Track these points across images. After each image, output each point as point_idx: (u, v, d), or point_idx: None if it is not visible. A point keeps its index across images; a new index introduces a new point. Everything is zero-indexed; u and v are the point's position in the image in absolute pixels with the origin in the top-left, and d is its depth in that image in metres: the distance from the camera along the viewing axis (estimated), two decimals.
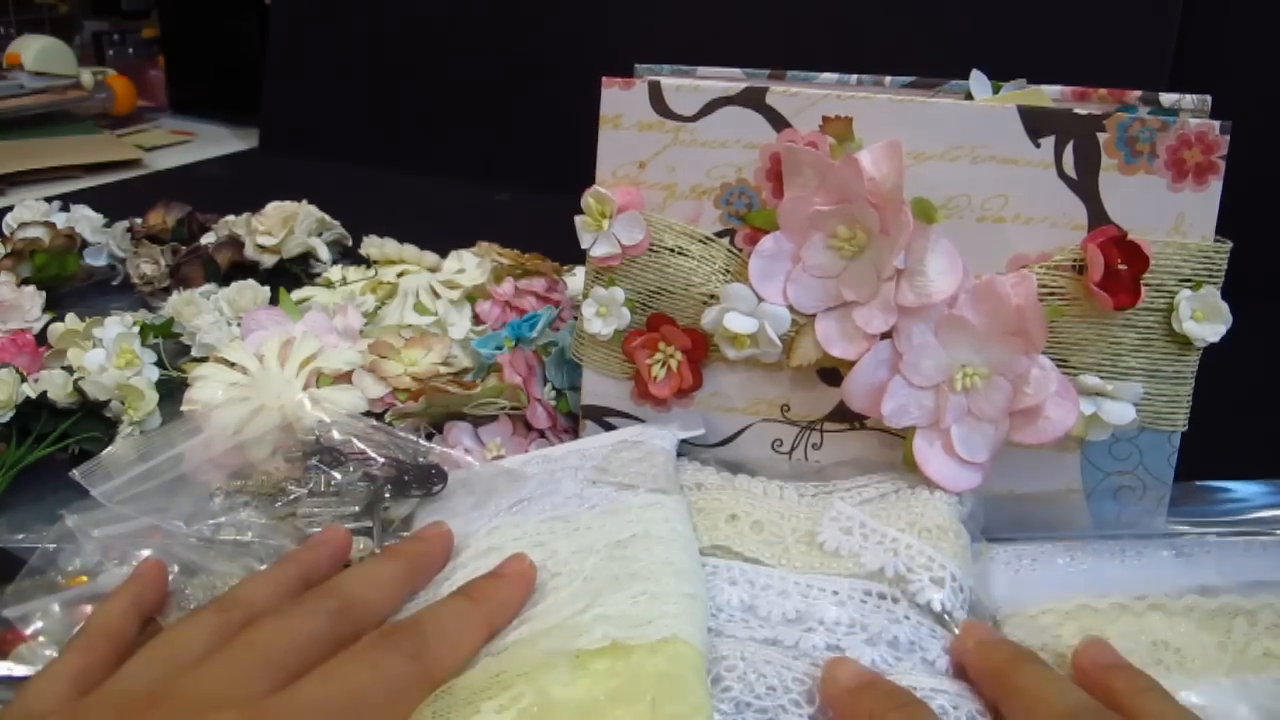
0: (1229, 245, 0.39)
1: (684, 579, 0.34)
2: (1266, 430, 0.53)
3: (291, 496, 0.41)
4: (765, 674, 0.31)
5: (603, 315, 0.43)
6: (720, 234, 0.42)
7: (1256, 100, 0.69)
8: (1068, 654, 0.33)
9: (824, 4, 0.83)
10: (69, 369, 0.51)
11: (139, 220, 0.75)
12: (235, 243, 0.71)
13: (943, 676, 0.32)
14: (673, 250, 0.42)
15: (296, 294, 0.63)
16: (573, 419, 0.48)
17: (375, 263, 0.68)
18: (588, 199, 0.42)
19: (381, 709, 0.28)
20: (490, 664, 0.31)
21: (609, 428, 0.45)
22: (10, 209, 0.74)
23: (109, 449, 0.46)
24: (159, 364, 0.53)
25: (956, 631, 0.34)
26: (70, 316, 0.55)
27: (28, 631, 0.34)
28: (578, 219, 0.43)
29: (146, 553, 0.37)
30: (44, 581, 0.37)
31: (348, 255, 0.74)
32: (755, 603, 0.35)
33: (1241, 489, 0.43)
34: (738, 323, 0.41)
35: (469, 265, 0.65)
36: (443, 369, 0.51)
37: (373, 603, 0.33)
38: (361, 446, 0.43)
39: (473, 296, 0.61)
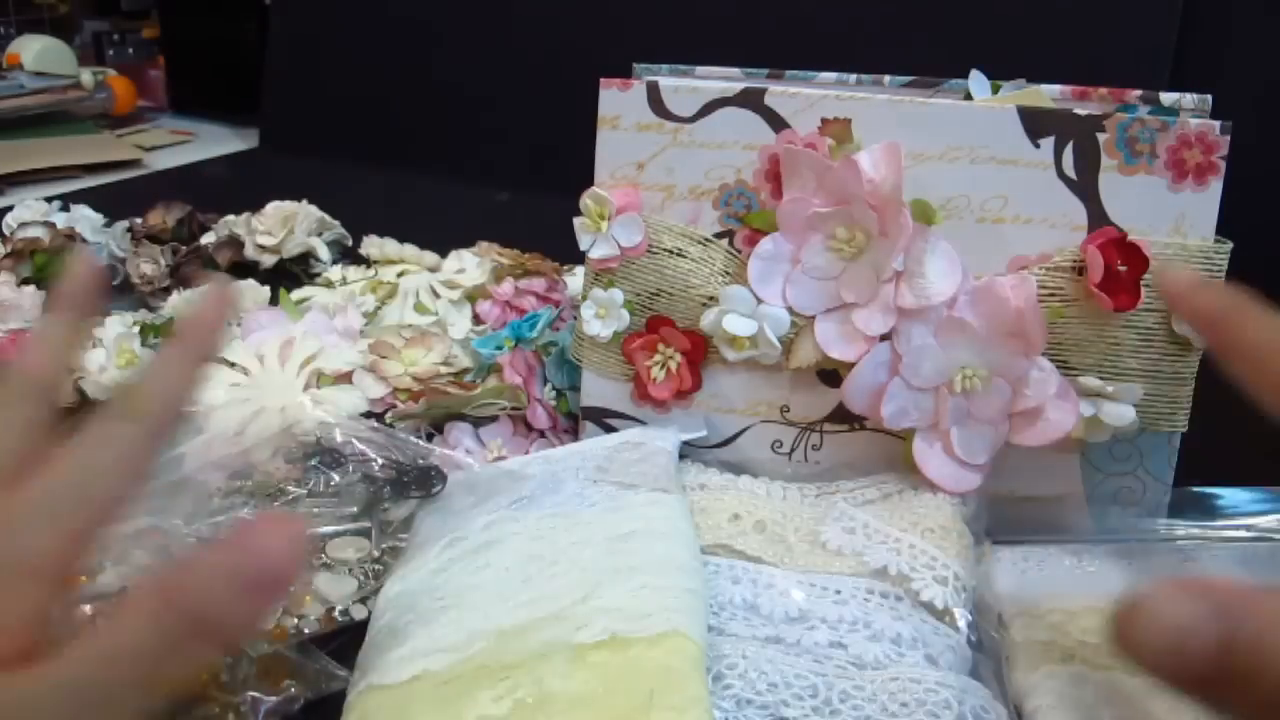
0: (1229, 245, 0.39)
1: (684, 574, 0.34)
2: (1266, 431, 0.53)
3: (291, 497, 0.41)
4: (766, 671, 0.31)
5: (602, 317, 0.43)
6: (719, 235, 0.42)
7: (1256, 100, 0.69)
8: (1075, 651, 0.33)
9: (824, 3, 0.83)
10: (69, 369, 0.51)
11: (139, 220, 0.75)
12: (235, 243, 0.71)
13: (947, 672, 0.32)
14: (672, 252, 0.42)
15: (296, 294, 0.63)
16: (573, 419, 0.48)
17: (375, 263, 0.68)
18: (586, 200, 0.42)
19: (112, 473, 0.26)
20: (488, 655, 0.31)
21: (609, 429, 0.45)
22: (10, 209, 0.74)
23: None
24: None
25: (959, 630, 0.34)
26: None
27: None
28: (577, 221, 0.43)
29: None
30: None
31: (348, 255, 0.74)
32: (758, 601, 0.35)
33: (1242, 495, 0.43)
34: (737, 324, 0.41)
35: (469, 265, 0.65)
36: (443, 369, 0.51)
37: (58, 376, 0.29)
38: (361, 448, 0.43)
39: (473, 296, 0.61)
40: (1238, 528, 0.41)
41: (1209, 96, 0.40)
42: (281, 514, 0.35)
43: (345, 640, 0.36)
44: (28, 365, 0.28)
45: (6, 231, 0.72)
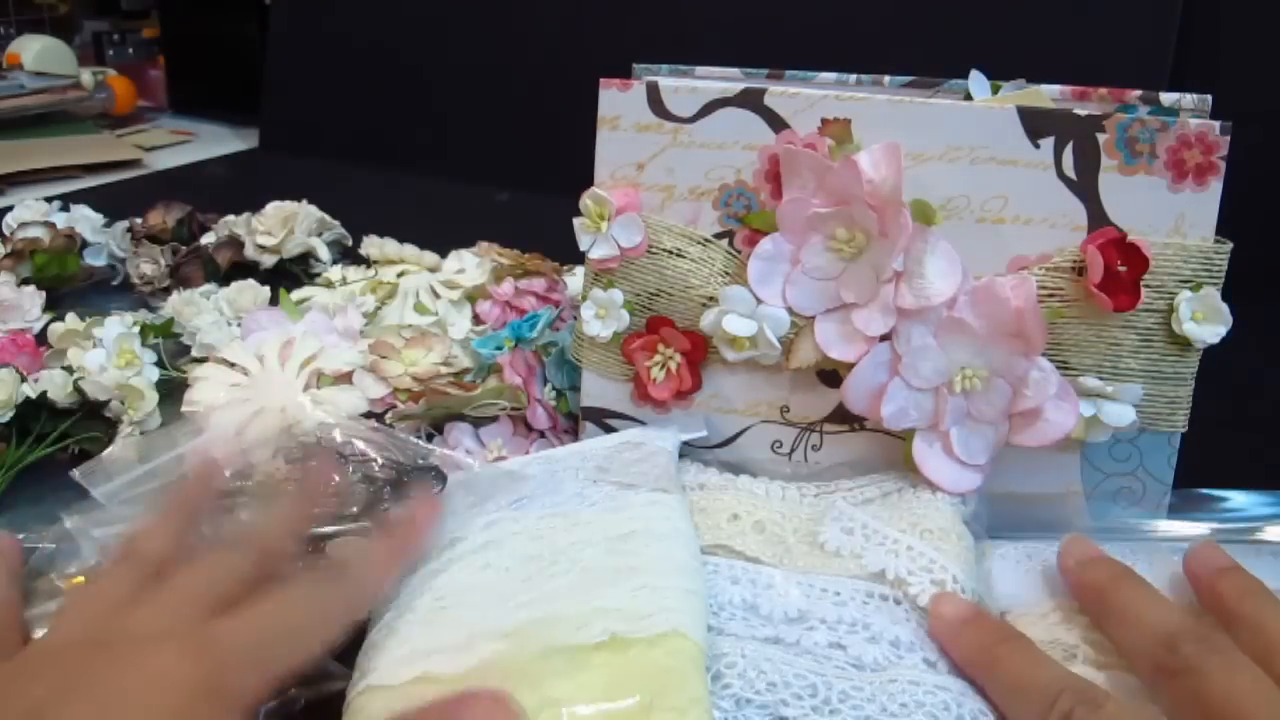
0: (1229, 246, 0.39)
1: (684, 574, 0.34)
2: (1266, 432, 0.53)
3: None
4: (765, 671, 0.31)
5: (601, 317, 0.43)
6: (719, 236, 0.42)
7: (1256, 100, 0.69)
8: (1079, 648, 0.33)
9: (824, 3, 0.83)
10: (69, 369, 0.51)
11: (139, 220, 0.75)
12: (235, 243, 0.71)
13: (945, 675, 0.32)
14: (671, 252, 0.42)
15: (296, 294, 0.63)
16: (573, 419, 0.48)
17: (375, 263, 0.68)
18: (586, 201, 0.42)
19: (315, 630, 0.30)
20: (488, 655, 0.31)
21: (609, 429, 0.45)
22: (10, 209, 0.74)
23: (110, 449, 0.46)
24: (159, 364, 0.53)
25: None
26: (70, 316, 0.55)
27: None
28: (576, 221, 0.43)
29: None
30: (44, 585, 0.37)
31: (348, 255, 0.74)
32: (757, 601, 0.35)
33: (1242, 498, 0.43)
34: (737, 325, 0.41)
35: (469, 265, 0.65)
36: (443, 369, 0.51)
37: (284, 541, 0.34)
38: (362, 448, 0.43)
39: (473, 296, 0.62)
40: (1239, 530, 0.41)
41: (1209, 96, 0.40)
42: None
43: (345, 640, 0.36)
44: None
45: (6, 231, 0.72)
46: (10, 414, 0.49)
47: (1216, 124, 0.38)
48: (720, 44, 0.85)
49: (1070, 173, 0.39)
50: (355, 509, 0.40)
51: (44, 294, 0.64)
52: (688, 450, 0.44)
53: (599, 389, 0.45)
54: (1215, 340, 0.39)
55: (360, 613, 0.32)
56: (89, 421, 0.50)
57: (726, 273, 0.42)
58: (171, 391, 0.52)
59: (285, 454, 0.44)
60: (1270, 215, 0.63)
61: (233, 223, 0.73)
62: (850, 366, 0.40)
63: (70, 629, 0.29)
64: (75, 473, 0.42)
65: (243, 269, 0.70)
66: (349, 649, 0.35)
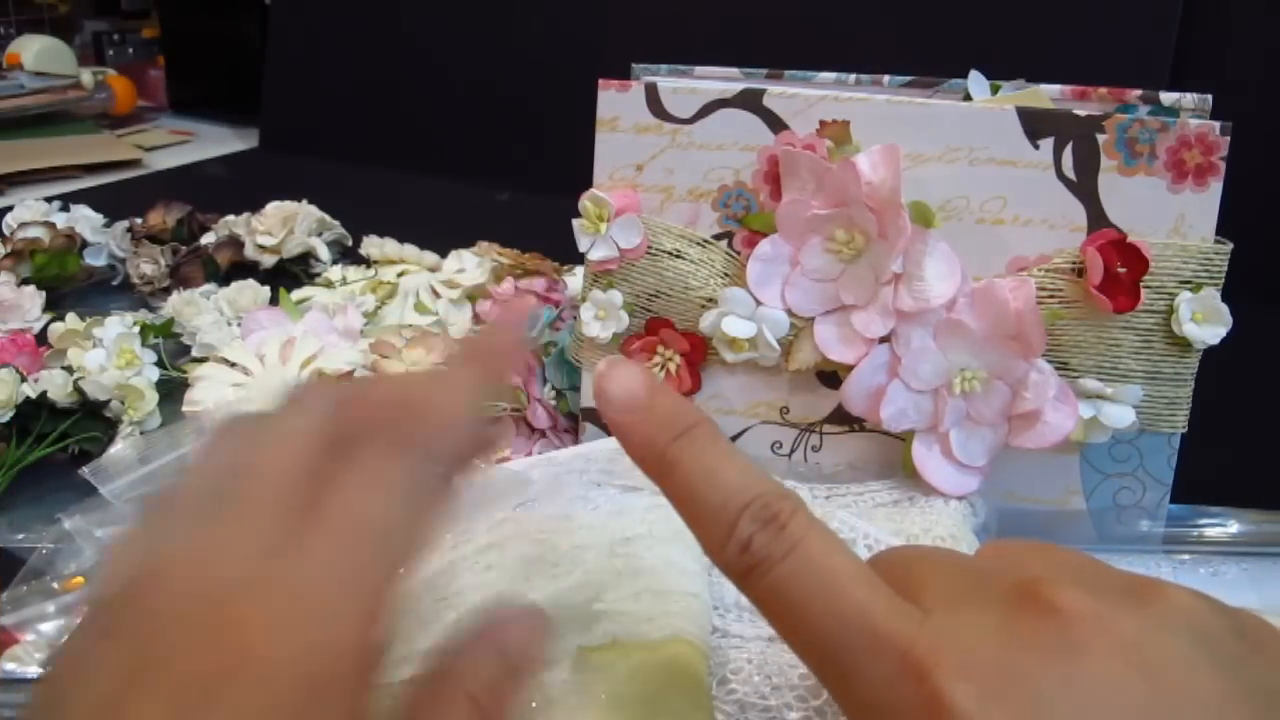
0: (1229, 246, 0.39)
1: (687, 578, 0.34)
2: (1266, 432, 0.53)
3: None
4: (770, 674, 0.31)
5: (601, 319, 0.43)
6: (718, 237, 0.42)
7: (1256, 100, 0.69)
8: None
9: (823, 3, 0.83)
10: (69, 369, 0.51)
11: (139, 220, 0.75)
12: (235, 243, 0.71)
13: None
14: (671, 253, 0.42)
15: (296, 294, 0.63)
16: (573, 419, 0.48)
17: (375, 263, 0.68)
18: (585, 202, 0.42)
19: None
20: None
21: (609, 430, 0.45)
22: (10, 209, 0.74)
23: (113, 449, 0.46)
24: (159, 364, 0.53)
25: None
26: (70, 316, 0.55)
27: (27, 637, 0.34)
28: (575, 222, 0.43)
29: None
30: (42, 586, 0.37)
31: (348, 255, 0.74)
32: None
33: (1236, 516, 0.43)
34: (736, 326, 0.41)
35: (469, 265, 0.65)
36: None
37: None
38: None
39: (473, 296, 0.62)
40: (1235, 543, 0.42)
41: (1209, 96, 0.40)
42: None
43: None
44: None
45: (6, 231, 0.72)
46: (10, 414, 0.49)
47: (1216, 124, 0.38)
48: (720, 43, 0.85)
49: (1070, 173, 0.39)
50: None
51: (44, 294, 0.64)
52: None
53: None
54: (1215, 341, 0.39)
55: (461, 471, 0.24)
56: (89, 421, 0.50)
57: (726, 274, 0.42)
58: (171, 391, 0.52)
59: None
60: (1270, 215, 0.63)
61: (233, 223, 0.73)
62: (849, 368, 0.40)
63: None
64: (85, 470, 0.42)
65: (243, 269, 0.70)
66: None
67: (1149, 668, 0.19)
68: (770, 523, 0.22)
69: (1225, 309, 0.38)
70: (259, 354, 0.50)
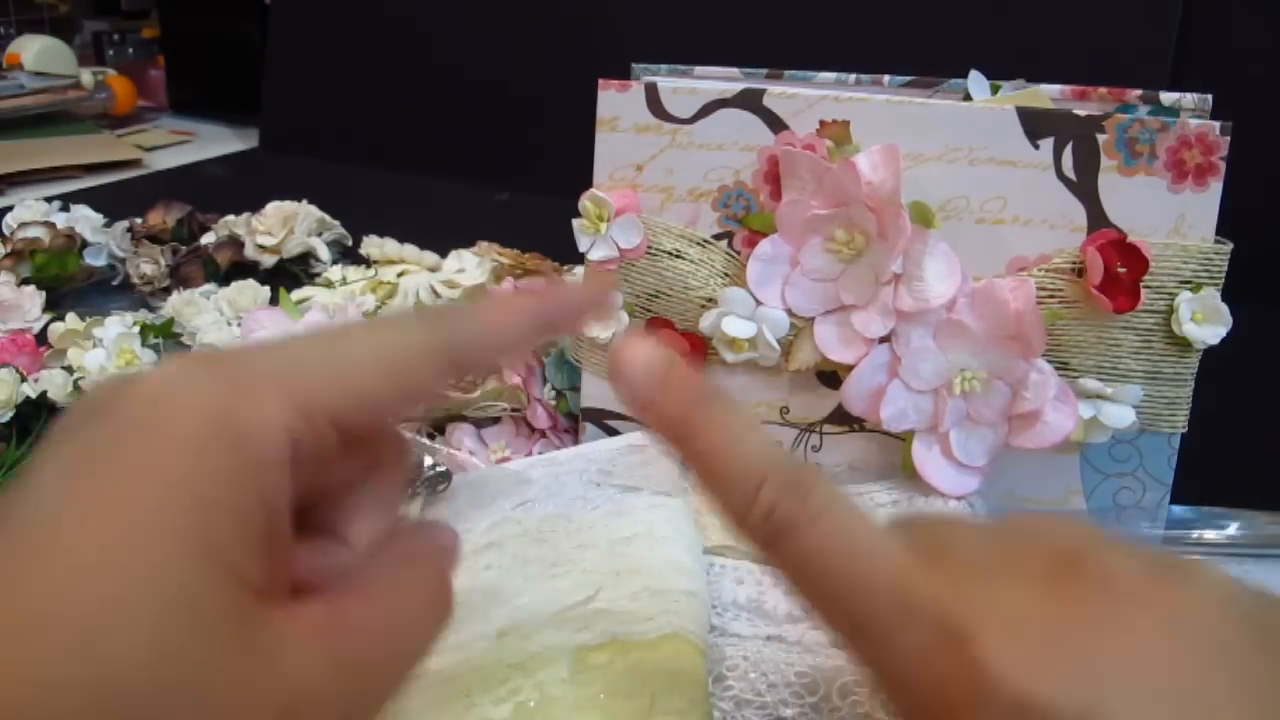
0: (1229, 246, 0.39)
1: (685, 577, 0.34)
2: (1266, 432, 0.53)
3: None
4: (766, 671, 0.31)
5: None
6: (718, 237, 0.42)
7: (1256, 100, 0.69)
8: None
9: (823, 3, 0.83)
10: (69, 369, 0.51)
11: (139, 220, 0.75)
12: (235, 243, 0.71)
13: None
14: (671, 253, 0.42)
15: (296, 294, 0.63)
16: (573, 419, 0.48)
17: (375, 263, 0.68)
18: (585, 202, 0.42)
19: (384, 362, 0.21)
20: (488, 657, 0.31)
21: (609, 430, 0.45)
22: (10, 209, 0.74)
23: None
24: None
25: None
26: (70, 316, 0.55)
27: None
28: (575, 222, 0.43)
29: None
30: None
31: (348, 255, 0.74)
32: (762, 599, 0.35)
33: (1236, 517, 0.43)
34: (736, 327, 0.41)
35: (469, 265, 0.65)
36: None
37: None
38: None
39: (473, 296, 0.61)
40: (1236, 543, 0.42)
41: (1209, 96, 0.40)
42: None
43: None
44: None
45: (6, 231, 0.72)
46: (10, 414, 0.49)
47: (1216, 124, 0.38)
48: (719, 43, 0.85)
49: (1070, 173, 0.39)
50: None
51: (44, 294, 0.64)
52: None
53: (599, 390, 0.45)
54: (1215, 341, 0.39)
55: (467, 356, 0.22)
56: None
57: (726, 274, 0.42)
58: None
59: None
60: (1270, 215, 0.63)
61: (233, 223, 0.73)
62: (849, 368, 0.40)
63: None
64: None
65: (243, 269, 0.70)
66: None
67: (1198, 641, 0.19)
68: (795, 489, 0.21)
69: (1225, 309, 0.38)
70: None
